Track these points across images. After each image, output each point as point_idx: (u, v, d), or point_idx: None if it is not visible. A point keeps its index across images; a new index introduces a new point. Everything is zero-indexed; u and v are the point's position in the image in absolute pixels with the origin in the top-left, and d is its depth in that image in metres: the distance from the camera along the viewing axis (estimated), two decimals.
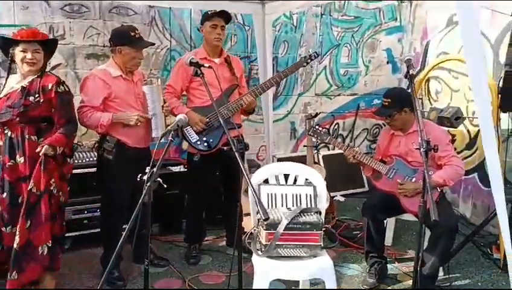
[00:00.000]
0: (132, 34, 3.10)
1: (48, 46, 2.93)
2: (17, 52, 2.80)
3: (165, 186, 2.18)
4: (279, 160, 5.06)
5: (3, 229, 2.84)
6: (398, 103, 3.29)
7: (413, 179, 3.27)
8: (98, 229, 3.55)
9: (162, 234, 4.14)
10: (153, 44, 3.50)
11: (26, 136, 2.78)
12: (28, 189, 2.73)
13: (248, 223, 3.10)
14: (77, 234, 3.73)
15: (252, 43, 4.98)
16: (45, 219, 2.75)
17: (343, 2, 5.51)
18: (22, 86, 2.81)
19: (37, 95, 2.77)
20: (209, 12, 3.46)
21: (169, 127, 2.27)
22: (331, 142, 3.53)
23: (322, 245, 2.70)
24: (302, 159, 4.04)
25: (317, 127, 3.54)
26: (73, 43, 4.19)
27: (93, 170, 3.44)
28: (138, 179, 2.10)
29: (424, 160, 2.22)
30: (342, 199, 5.32)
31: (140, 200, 2.01)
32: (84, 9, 4.18)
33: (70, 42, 4.17)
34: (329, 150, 5.70)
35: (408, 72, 2.51)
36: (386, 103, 3.35)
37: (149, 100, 3.13)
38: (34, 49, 2.80)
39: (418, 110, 2.39)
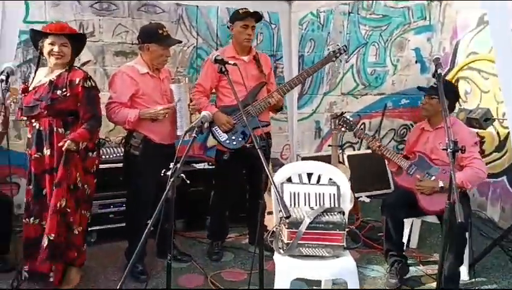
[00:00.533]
0: (160, 31, 3.13)
1: (76, 41, 2.96)
2: (46, 45, 2.85)
3: (188, 182, 2.19)
4: (303, 159, 5.03)
5: (26, 220, 2.91)
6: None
7: (433, 178, 3.25)
8: (123, 224, 3.60)
9: (186, 230, 4.18)
10: (180, 42, 3.53)
11: (54, 128, 2.83)
12: (55, 182, 2.80)
13: (271, 222, 3.09)
14: (103, 227, 3.81)
15: (277, 42, 4.98)
16: (52, 210, 2.80)
17: (371, 1, 5.45)
18: (49, 80, 2.86)
19: (64, 89, 2.82)
20: (240, 12, 3.45)
21: (192, 124, 2.28)
22: (357, 133, 3.58)
23: (345, 245, 2.68)
24: (326, 159, 4.00)
25: (346, 117, 3.57)
26: (102, 40, 4.27)
27: (120, 165, 3.49)
28: (162, 175, 2.12)
29: (450, 161, 2.18)
30: (367, 199, 5.27)
31: (163, 196, 2.03)
32: (113, 7, 4.26)
33: (99, 39, 4.26)
34: (354, 150, 5.66)
35: (436, 71, 2.47)
36: (435, 85, 3.33)
37: (176, 98, 3.15)
38: (62, 43, 2.84)
39: (447, 111, 2.34)
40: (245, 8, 3.47)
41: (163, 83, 3.25)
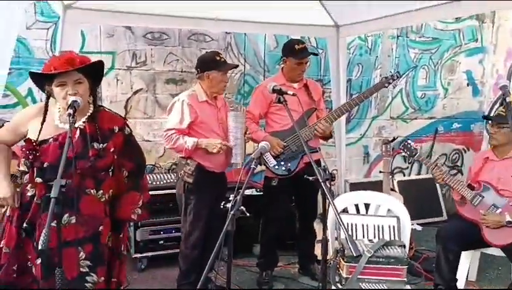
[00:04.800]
0: (218, 58, 3.16)
1: (92, 70, 2.22)
2: (55, 89, 2.14)
3: (248, 214, 2.15)
4: (352, 185, 4.93)
5: None
6: None
7: (499, 211, 3.09)
8: (174, 250, 3.59)
9: (233, 257, 4.11)
10: (237, 66, 3.52)
11: (86, 190, 2.19)
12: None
13: (320, 250, 3.01)
14: (153, 254, 3.82)
15: (325, 66, 4.94)
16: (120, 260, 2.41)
17: (420, 23, 5.35)
18: (79, 129, 2.18)
19: (103, 141, 2.20)
20: (296, 48, 3.37)
21: (252, 155, 2.25)
22: (420, 159, 3.47)
23: (406, 280, 2.57)
24: (375, 185, 3.91)
25: (408, 141, 3.48)
26: (153, 68, 4.36)
27: (170, 191, 3.50)
28: (222, 207, 2.09)
29: None
30: (419, 228, 5.07)
31: (224, 228, 2.00)
32: (165, 37, 4.34)
33: (151, 68, 4.34)
34: (404, 175, 5.50)
35: (504, 99, 2.36)
36: (503, 113, 3.20)
37: (233, 126, 3.14)
38: (75, 80, 2.14)
39: None
40: (301, 43, 3.39)
41: (220, 112, 3.24)
